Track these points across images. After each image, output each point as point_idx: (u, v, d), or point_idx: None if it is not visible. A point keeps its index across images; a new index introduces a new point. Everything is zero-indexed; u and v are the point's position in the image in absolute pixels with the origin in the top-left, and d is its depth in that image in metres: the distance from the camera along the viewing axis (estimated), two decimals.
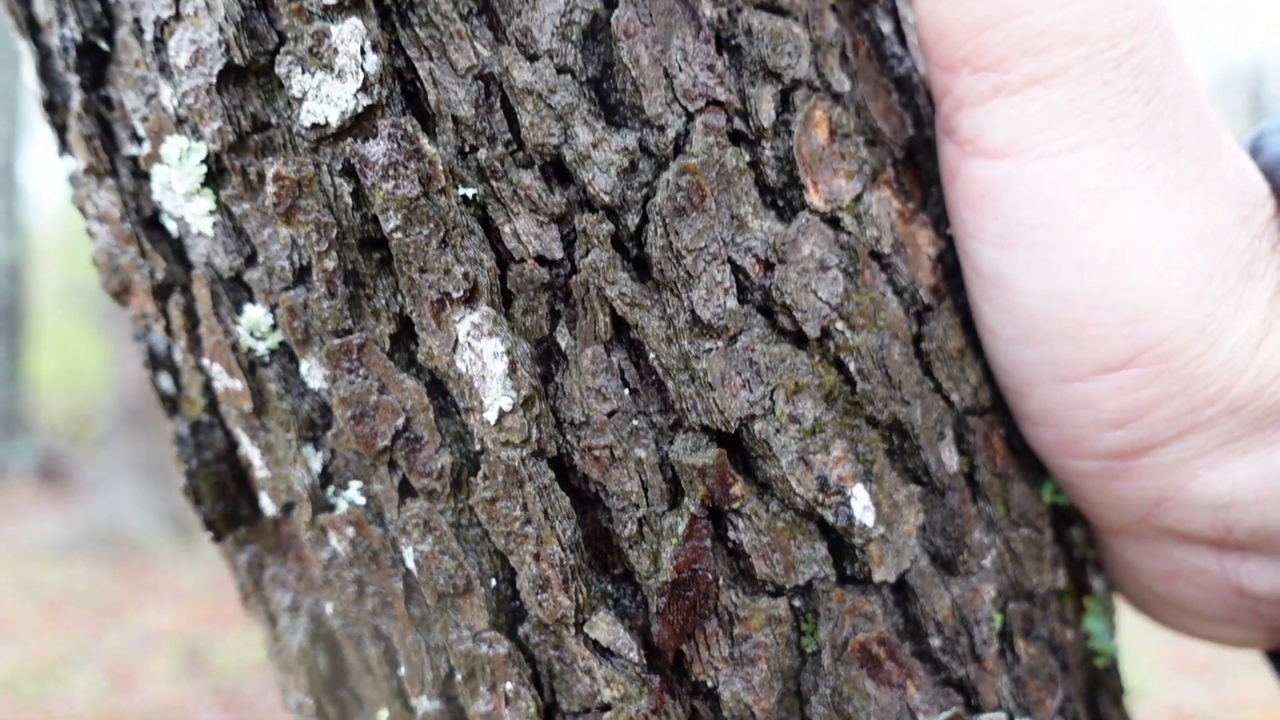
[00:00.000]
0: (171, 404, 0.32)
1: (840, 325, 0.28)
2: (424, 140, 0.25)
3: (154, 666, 5.45)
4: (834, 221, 0.28)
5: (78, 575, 7.16)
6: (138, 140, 0.29)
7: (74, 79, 0.29)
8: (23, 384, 10.89)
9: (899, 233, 0.29)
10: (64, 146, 0.31)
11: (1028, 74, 0.27)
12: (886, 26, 0.31)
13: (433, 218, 0.25)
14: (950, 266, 0.31)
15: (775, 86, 0.27)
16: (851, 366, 0.28)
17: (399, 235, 0.25)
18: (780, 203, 0.28)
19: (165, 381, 0.32)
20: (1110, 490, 0.30)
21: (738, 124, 0.27)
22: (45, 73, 0.30)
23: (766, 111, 0.27)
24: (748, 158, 0.27)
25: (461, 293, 0.25)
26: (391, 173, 0.25)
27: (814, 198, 0.28)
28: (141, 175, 0.29)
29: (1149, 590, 0.33)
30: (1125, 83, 0.27)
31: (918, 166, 0.31)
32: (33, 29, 0.30)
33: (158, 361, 0.32)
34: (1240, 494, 0.28)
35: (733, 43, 0.27)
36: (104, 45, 0.28)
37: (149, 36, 0.27)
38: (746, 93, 0.27)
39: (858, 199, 0.28)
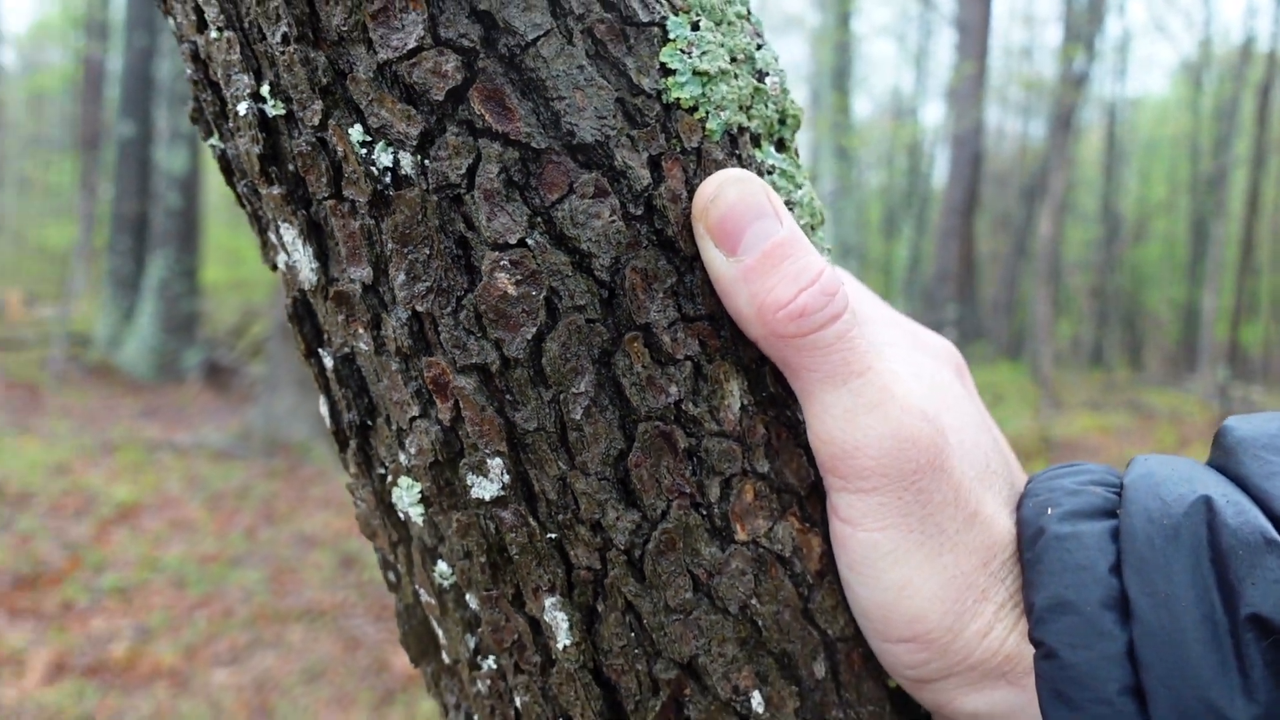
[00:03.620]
0: (393, 587, 0.58)
1: (754, 601, 0.51)
2: (530, 518, 0.49)
3: (309, 569, 5.98)
4: (753, 544, 0.51)
5: (240, 477, 7.79)
6: (384, 468, 0.54)
7: (352, 436, 0.54)
8: (196, 292, 11.66)
9: (798, 542, 0.52)
10: (343, 461, 0.56)
11: (856, 486, 0.49)
12: (800, 415, 0.53)
13: (534, 551, 0.49)
14: (831, 557, 0.53)
15: (721, 478, 0.50)
16: (759, 623, 0.51)
17: (517, 555, 0.50)
18: (723, 535, 0.51)
19: (391, 576, 0.58)
20: (917, 695, 0.52)
21: (699, 499, 0.50)
22: (333, 411, 0.55)
23: (714, 492, 0.50)
24: (702, 516, 0.50)
25: (547, 586, 0.50)
26: (513, 529, 0.49)
27: (741, 535, 0.51)
28: (385, 483, 0.54)
29: None
30: (910, 497, 0.49)
31: (820, 495, 0.53)
32: (316, 354, 0.55)
33: (387, 565, 0.57)
34: (983, 711, 0.51)
35: (698, 455, 0.50)
36: (369, 423, 0.53)
37: (394, 429, 0.52)
38: (704, 483, 0.50)
39: (770, 530, 0.51)
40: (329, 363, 0.54)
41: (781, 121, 0.55)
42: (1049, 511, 0.50)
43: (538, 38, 0.46)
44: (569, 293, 0.48)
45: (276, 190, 0.51)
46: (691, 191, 0.50)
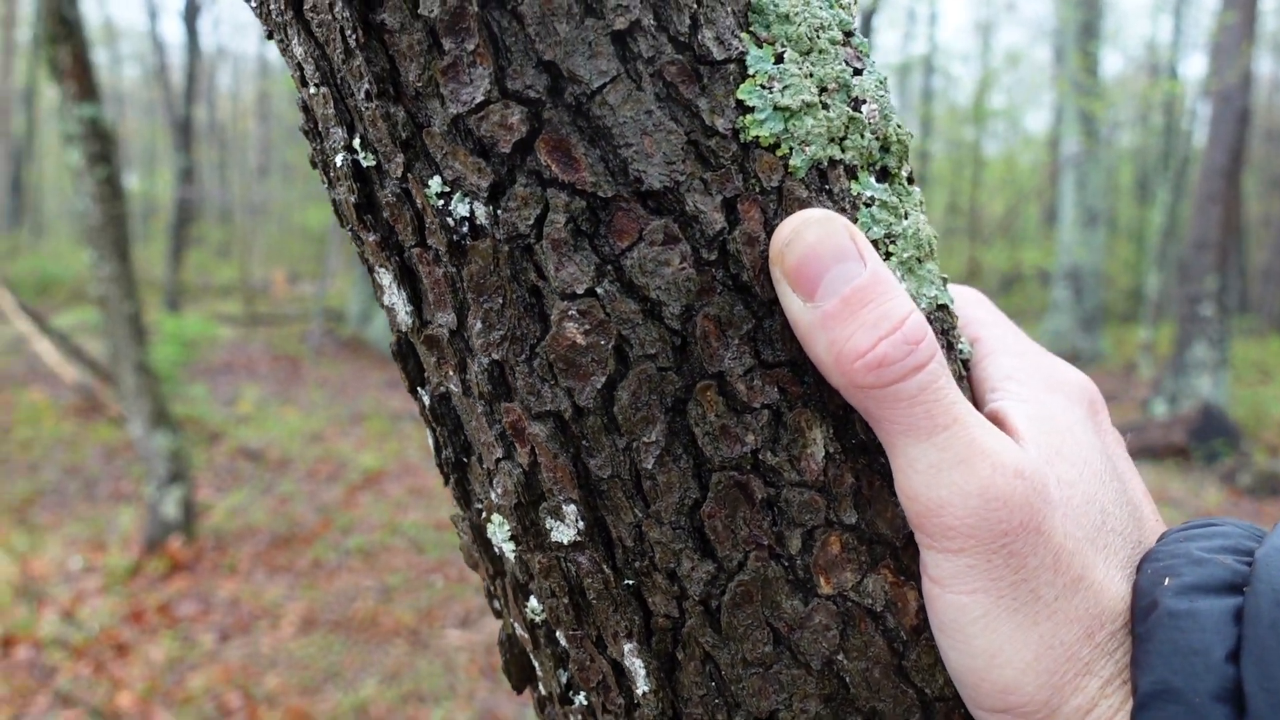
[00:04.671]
0: (498, 615, 0.59)
1: (840, 657, 0.49)
2: (605, 566, 0.49)
3: None
4: (840, 598, 0.49)
5: None
6: (480, 504, 0.55)
7: (451, 471, 0.55)
8: None
9: (891, 596, 0.50)
10: (449, 486, 0.57)
11: (943, 546, 0.46)
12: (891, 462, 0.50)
13: (610, 597, 0.49)
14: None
15: (802, 530, 0.48)
16: (846, 680, 0.49)
17: (594, 600, 0.50)
18: (805, 588, 0.49)
19: (495, 604, 0.59)
20: None
21: (778, 550, 0.48)
22: (435, 447, 0.57)
23: (795, 544, 0.48)
24: (783, 568, 0.48)
25: (625, 632, 0.50)
26: (589, 574, 0.49)
27: (825, 588, 0.49)
28: (481, 517, 0.55)
29: None
30: (1000, 560, 0.45)
31: (918, 545, 0.50)
32: (422, 404, 0.57)
33: (490, 595, 0.59)
34: None
35: (777, 505, 0.48)
36: (465, 460, 0.55)
37: (485, 468, 0.53)
38: (783, 534, 0.48)
39: (858, 584, 0.49)
40: (426, 401, 0.55)
41: (885, 149, 0.52)
42: (1166, 582, 0.45)
43: (604, 85, 0.45)
44: (639, 341, 0.47)
45: (372, 237, 0.52)
46: (770, 233, 0.48)
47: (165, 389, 6.31)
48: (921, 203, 0.56)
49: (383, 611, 5.24)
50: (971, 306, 0.61)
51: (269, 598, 5.27)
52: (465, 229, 0.48)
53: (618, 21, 0.45)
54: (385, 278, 0.53)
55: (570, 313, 0.47)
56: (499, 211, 0.47)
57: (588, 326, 0.47)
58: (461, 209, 0.48)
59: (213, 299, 17.58)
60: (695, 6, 0.46)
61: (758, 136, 0.47)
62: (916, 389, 0.46)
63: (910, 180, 0.55)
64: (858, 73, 0.52)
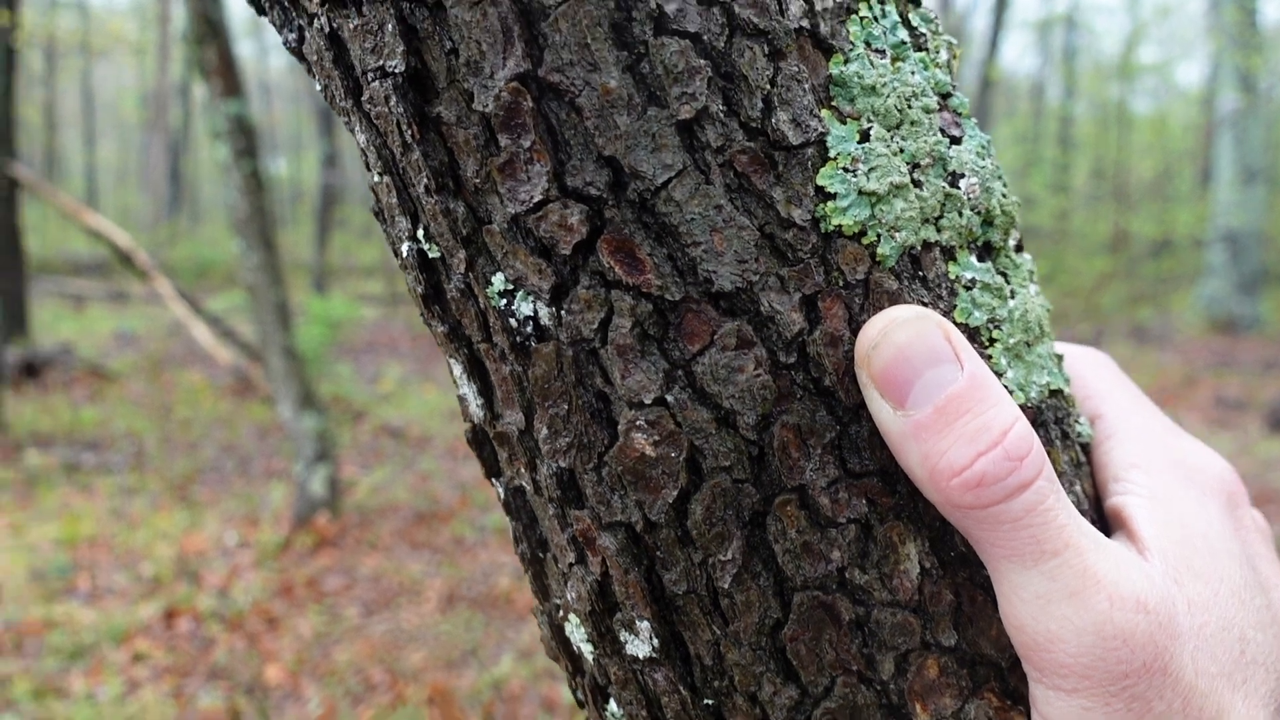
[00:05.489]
0: (581, 705, 0.57)
1: None
2: (682, 687, 0.46)
3: None
4: None
5: None
6: (557, 599, 0.53)
7: (528, 566, 0.53)
8: None
9: None
10: (528, 576, 0.55)
11: (1053, 684, 0.41)
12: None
13: (689, 718, 0.46)
14: None
15: (895, 653, 0.44)
16: None
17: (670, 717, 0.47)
18: (899, 715, 0.45)
19: (579, 695, 0.57)
20: None
21: (868, 675, 0.44)
22: (515, 541, 0.55)
23: (887, 669, 0.44)
24: (875, 693, 0.45)
25: None
26: (666, 693, 0.46)
27: (921, 716, 0.45)
28: (559, 614, 0.53)
29: None
30: (1120, 705, 0.40)
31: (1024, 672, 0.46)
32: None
33: (572, 688, 0.57)
34: None
35: (867, 626, 0.44)
36: (541, 555, 0.52)
37: (560, 569, 0.50)
38: (874, 658, 0.44)
39: (959, 710, 0.45)
40: (501, 493, 0.53)
41: (988, 223, 0.47)
42: None
43: (669, 180, 0.42)
44: (713, 453, 0.43)
45: (441, 328, 0.50)
46: (855, 331, 0.43)
47: (312, 369, 6.54)
48: (1032, 273, 0.50)
49: (520, 588, 5.33)
50: (1092, 372, 0.55)
51: (410, 573, 5.43)
52: (530, 329, 0.45)
53: (683, 110, 0.42)
54: (456, 368, 0.51)
55: (639, 423, 0.44)
56: (562, 313, 0.44)
57: (657, 437, 0.44)
58: (525, 309, 0.45)
59: (356, 280, 18.20)
60: (769, 87, 0.42)
61: (840, 225, 0.43)
62: (1021, 510, 0.41)
63: (1019, 248, 0.50)
64: (955, 141, 0.47)
